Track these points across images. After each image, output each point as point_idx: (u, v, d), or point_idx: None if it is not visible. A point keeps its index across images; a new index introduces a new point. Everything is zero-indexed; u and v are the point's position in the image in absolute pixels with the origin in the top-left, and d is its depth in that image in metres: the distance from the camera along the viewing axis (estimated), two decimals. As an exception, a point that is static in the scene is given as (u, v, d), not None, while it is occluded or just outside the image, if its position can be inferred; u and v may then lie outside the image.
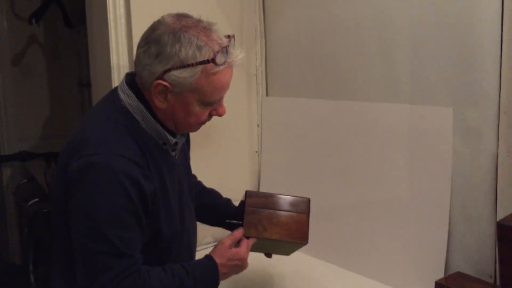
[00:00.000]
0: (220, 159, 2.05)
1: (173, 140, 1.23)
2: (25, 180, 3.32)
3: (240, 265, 1.30)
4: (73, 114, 3.64)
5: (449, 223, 1.48)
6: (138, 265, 1.13)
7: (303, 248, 1.49)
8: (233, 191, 2.09)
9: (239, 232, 1.33)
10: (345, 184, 1.76)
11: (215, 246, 1.30)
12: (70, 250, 1.18)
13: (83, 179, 1.08)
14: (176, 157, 1.29)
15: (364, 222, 1.69)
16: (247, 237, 1.34)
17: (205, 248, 1.93)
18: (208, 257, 1.27)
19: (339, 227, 1.76)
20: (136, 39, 1.69)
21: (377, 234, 1.65)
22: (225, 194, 2.06)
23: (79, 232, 1.10)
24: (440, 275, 1.47)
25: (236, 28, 2.00)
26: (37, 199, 3.02)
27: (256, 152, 2.14)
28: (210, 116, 1.23)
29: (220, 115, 1.23)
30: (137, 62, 1.17)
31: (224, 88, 1.18)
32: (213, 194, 1.57)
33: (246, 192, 1.41)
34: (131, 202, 1.10)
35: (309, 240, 1.42)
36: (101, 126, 1.15)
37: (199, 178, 1.61)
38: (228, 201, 1.58)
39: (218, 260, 1.26)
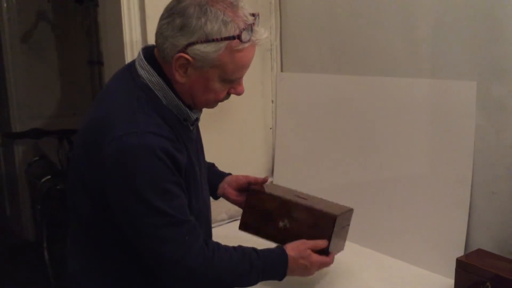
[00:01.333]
0: (234, 135, 2.03)
1: (193, 116, 1.22)
2: (37, 158, 3.33)
3: (308, 267, 1.29)
4: (84, 92, 3.64)
5: (471, 199, 1.45)
6: (198, 227, 1.15)
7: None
8: (247, 168, 2.08)
9: (323, 242, 1.31)
10: (364, 161, 1.73)
11: (293, 242, 1.30)
12: (89, 227, 1.19)
13: (123, 163, 1.07)
14: (194, 132, 1.28)
15: (384, 200, 1.67)
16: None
17: (220, 225, 1.93)
18: (281, 248, 1.28)
19: (358, 204, 1.73)
20: (150, 13, 1.71)
21: (397, 212, 1.63)
22: (239, 170, 2.03)
23: (132, 214, 1.10)
24: (460, 252, 1.45)
25: (250, 1, 1.95)
26: (49, 176, 3.03)
27: (271, 128, 2.12)
28: (228, 95, 1.21)
29: (238, 94, 1.21)
30: (159, 34, 1.14)
31: (245, 66, 1.16)
32: None
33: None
34: (173, 174, 1.11)
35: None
36: (125, 104, 1.13)
37: (212, 154, 1.59)
38: (211, 165, 1.55)
39: (290, 253, 1.26)
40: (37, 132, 3.21)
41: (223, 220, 2.01)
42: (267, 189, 1.46)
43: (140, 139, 1.07)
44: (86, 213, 1.18)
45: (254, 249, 1.24)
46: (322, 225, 1.33)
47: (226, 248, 1.21)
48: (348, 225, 1.46)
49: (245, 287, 1.26)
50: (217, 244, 1.21)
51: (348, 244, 1.46)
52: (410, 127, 1.59)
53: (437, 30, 1.50)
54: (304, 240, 1.31)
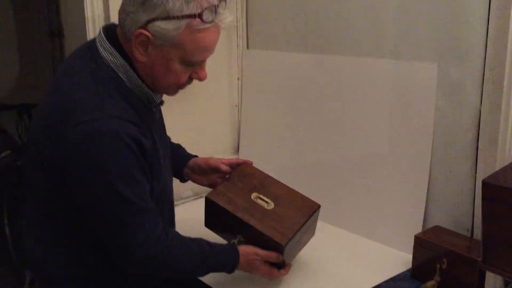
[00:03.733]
0: (199, 113, 2.02)
1: (158, 99, 1.21)
2: (-4, 131, 3.23)
3: (255, 273, 1.32)
4: (44, 65, 3.52)
5: (429, 178, 1.50)
6: (158, 215, 1.16)
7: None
8: (212, 146, 2.08)
9: (276, 257, 1.31)
10: (328, 139, 1.76)
11: (248, 247, 1.31)
12: (48, 211, 1.18)
13: (88, 148, 1.05)
14: (157, 114, 1.27)
15: (346, 177, 1.70)
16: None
17: (185, 202, 1.94)
18: (235, 250, 1.29)
19: (320, 182, 1.77)
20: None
21: (359, 189, 1.67)
22: (204, 149, 2.04)
23: (96, 200, 1.09)
24: (419, 229, 1.50)
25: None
26: (8, 152, 2.95)
27: (236, 106, 2.12)
28: (190, 80, 1.19)
29: (200, 79, 1.20)
30: (122, 10, 1.12)
31: (207, 49, 1.14)
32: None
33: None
34: (138, 159, 1.10)
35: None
36: (88, 87, 1.10)
37: (177, 133, 1.58)
38: (177, 146, 1.55)
39: (240, 258, 1.28)
40: (-5, 106, 3.11)
41: (189, 196, 2.02)
42: (228, 190, 1.40)
43: (105, 124, 1.05)
44: (45, 196, 1.16)
45: (209, 245, 1.25)
46: (272, 249, 1.31)
47: (184, 239, 1.22)
48: (315, 221, 1.46)
49: (192, 277, 1.29)
50: (176, 234, 1.22)
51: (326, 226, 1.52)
52: (373, 106, 1.61)
53: (401, 12, 1.52)
54: (257, 250, 1.30)
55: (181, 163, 1.49)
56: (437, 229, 1.45)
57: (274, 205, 1.40)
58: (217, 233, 1.42)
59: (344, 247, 1.61)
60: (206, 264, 1.23)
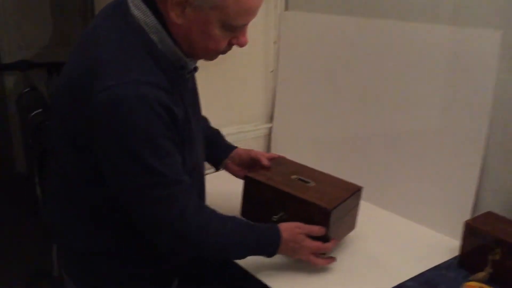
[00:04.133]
0: (232, 78, 1.90)
1: (192, 64, 1.10)
2: (28, 89, 3.19)
3: (298, 251, 1.22)
4: (75, 23, 3.44)
5: (484, 158, 1.36)
6: (192, 189, 1.08)
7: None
8: (245, 113, 1.97)
9: (320, 230, 1.23)
10: (371, 112, 1.62)
11: (289, 223, 1.23)
12: (74, 180, 1.10)
13: (114, 116, 0.95)
14: (190, 82, 1.16)
15: (391, 154, 1.57)
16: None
17: (208, 174, 1.84)
18: (276, 227, 1.20)
19: (364, 158, 1.65)
20: None
21: (405, 167, 1.54)
22: (236, 115, 1.94)
23: (122, 171, 1.00)
24: (467, 214, 1.38)
25: None
26: (40, 110, 2.92)
27: (272, 71, 1.99)
28: (229, 46, 1.08)
29: (241, 45, 1.09)
30: None
31: (250, 12, 1.02)
32: (203, 123, 1.45)
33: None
34: (169, 129, 1.01)
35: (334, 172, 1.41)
36: (117, 49, 0.99)
37: (208, 99, 1.47)
38: (217, 133, 1.49)
39: (283, 234, 1.19)
40: (26, 63, 3.05)
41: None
42: (267, 172, 1.38)
43: (135, 90, 0.95)
44: (71, 165, 1.08)
45: (248, 224, 1.17)
46: (317, 219, 1.24)
47: (221, 216, 1.13)
48: (357, 205, 1.39)
49: (231, 259, 1.20)
50: (213, 210, 1.13)
51: (370, 207, 1.41)
52: (424, 77, 1.46)
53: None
54: (299, 224, 1.23)
55: (221, 152, 1.45)
56: (489, 215, 1.32)
57: (315, 184, 1.35)
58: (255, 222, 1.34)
59: (386, 229, 1.50)
60: (245, 244, 1.14)
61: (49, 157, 1.20)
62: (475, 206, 1.40)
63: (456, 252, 1.35)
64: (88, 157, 1.02)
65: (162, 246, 1.11)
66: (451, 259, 1.34)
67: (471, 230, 1.27)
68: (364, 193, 1.38)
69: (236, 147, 1.48)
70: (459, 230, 1.34)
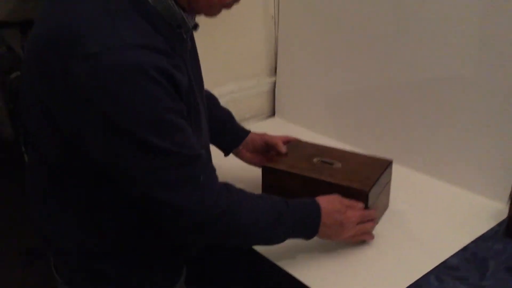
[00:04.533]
0: (228, 27, 1.67)
1: (191, 22, 0.89)
2: (4, 49, 2.95)
3: (344, 224, 1.05)
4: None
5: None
6: (211, 163, 0.94)
7: (355, 143, 1.30)
8: (245, 65, 1.75)
9: (361, 204, 1.09)
10: (392, 57, 1.40)
11: (326, 195, 1.07)
12: (57, 171, 0.90)
13: (102, 90, 0.75)
14: (189, 43, 0.94)
15: (419, 105, 1.37)
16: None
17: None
18: (313, 200, 1.04)
19: (387, 113, 1.45)
20: None
21: (436, 123, 1.34)
22: (235, 69, 1.72)
23: (124, 158, 0.81)
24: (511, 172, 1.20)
25: None
26: (19, 73, 2.69)
27: (273, 17, 1.75)
28: None
29: None
30: None
31: None
32: (211, 101, 1.26)
33: None
34: (173, 99, 0.81)
35: (357, 135, 1.32)
36: (99, 5, 0.77)
37: (203, 55, 1.25)
38: (228, 115, 1.30)
39: (323, 205, 1.03)
40: (-5, 23, 2.79)
41: (247, 120, 1.80)
42: (286, 159, 1.24)
43: (126, 56, 0.75)
44: (54, 154, 0.88)
45: (282, 199, 1.00)
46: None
47: (250, 194, 0.96)
48: (389, 180, 1.23)
49: (267, 244, 1.02)
50: (240, 189, 0.95)
51: (399, 168, 1.24)
52: (457, 15, 1.24)
53: None
54: (338, 196, 1.08)
55: (235, 138, 1.29)
56: (540, 175, 1.15)
57: (342, 165, 1.19)
58: None
59: (420, 194, 1.32)
60: (281, 224, 0.96)
61: (27, 143, 1.00)
62: (521, 163, 1.22)
63: (500, 217, 1.19)
64: (74, 144, 0.82)
65: (181, 236, 0.95)
66: (495, 227, 1.17)
67: (521, 194, 1.10)
68: (392, 154, 1.20)
69: (249, 132, 1.30)
70: (501, 190, 1.18)
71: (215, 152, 1.16)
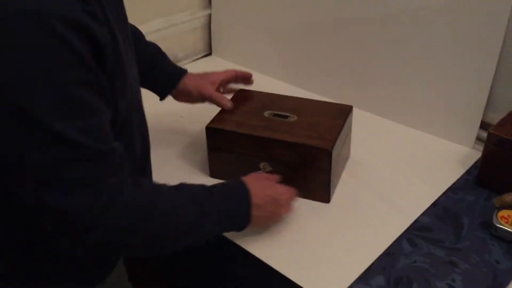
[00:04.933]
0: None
1: None
2: None
3: (280, 202, 0.89)
4: None
5: (502, 48, 1.04)
6: (125, 159, 0.68)
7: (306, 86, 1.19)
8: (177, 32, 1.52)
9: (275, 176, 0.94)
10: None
11: (246, 175, 0.89)
12: None
13: None
14: None
15: (377, 47, 1.21)
16: None
17: None
18: (239, 181, 0.86)
19: (345, 50, 1.29)
20: None
21: (397, 61, 1.19)
22: (164, 4, 1.48)
23: (13, 146, 0.59)
24: (479, 113, 1.09)
25: None
26: None
27: None
28: None
29: None
30: None
31: None
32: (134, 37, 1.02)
33: None
34: (86, 67, 0.59)
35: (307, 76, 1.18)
36: None
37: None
38: (155, 53, 1.08)
39: (251, 184, 0.85)
40: None
41: (180, 60, 1.56)
42: (232, 115, 1.05)
43: (19, 1, 0.54)
44: None
45: (204, 188, 0.80)
46: (314, 164, 0.96)
47: (167, 190, 0.76)
48: (350, 129, 1.09)
49: (195, 245, 0.80)
50: (157, 186, 0.76)
51: (358, 112, 1.09)
52: None
53: None
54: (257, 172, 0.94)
55: (166, 82, 1.07)
56: (514, 116, 1.04)
57: (297, 117, 1.03)
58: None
59: (381, 138, 1.20)
60: (206, 216, 0.78)
61: None
62: (490, 104, 1.11)
63: (468, 163, 1.10)
64: None
65: (85, 250, 0.74)
66: (464, 175, 1.07)
67: (494, 140, 0.99)
68: (348, 97, 1.06)
69: (184, 73, 1.08)
70: (466, 133, 1.12)
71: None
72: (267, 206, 0.86)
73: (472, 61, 1.07)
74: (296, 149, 0.95)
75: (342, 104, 1.07)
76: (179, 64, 1.53)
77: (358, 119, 1.11)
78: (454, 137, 1.16)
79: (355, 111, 1.07)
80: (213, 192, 0.80)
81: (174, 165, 1.11)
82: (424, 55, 1.13)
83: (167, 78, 1.06)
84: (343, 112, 1.04)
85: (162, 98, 1.07)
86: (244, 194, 0.83)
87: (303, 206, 0.99)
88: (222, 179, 0.97)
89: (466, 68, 1.08)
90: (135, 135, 0.81)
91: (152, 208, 0.70)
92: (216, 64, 1.58)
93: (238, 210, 0.82)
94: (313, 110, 1.05)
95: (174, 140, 1.18)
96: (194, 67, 1.54)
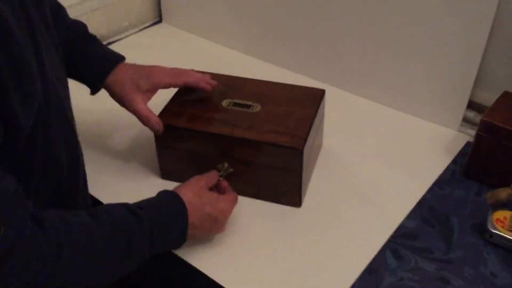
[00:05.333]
0: None
1: None
2: None
3: (219, 221, 0.75)
4: None
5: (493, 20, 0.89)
6: (20, 190, 0.54)
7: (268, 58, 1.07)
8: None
9: (214, 175, 0.80)
10: None
11: (185, 183, 0.76)
12: None
13: None
14: None
15: (350, 15, 1.05)
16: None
17: (125, 38, 1.27)
18: (171, 194, 0.72)
19: (305, 23, 1.12)
20: None
21: (373, 33, 1.04)
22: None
23: None
24: (466, 94, 0.96)
25: None
26: None
27: None
28: None
29: None
30: None
31: None
32: (56, 15, 0.82)
33: None
34: None
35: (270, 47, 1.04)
36: None
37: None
38: (82, 33, 0.87)
39: (187, 198, 0.71)
40: None
41: (126, 30, 1.36)
42: (184, 106, 0.88)
43: None
44: None
45: (129, 211, 0.65)
46: (282, 164, 0.81)
47: (82, 223, 0.60)
48: (323, 116, 0.93)
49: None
50: (61, 216, 0.59)
51: (337, 92, 0.95)
52: None
53: None
54: (195, 177, 0.77)
55: (95, 71, 0.85)
56: (509, 97, 0.91)
57: (261, 106, 0.87)
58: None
59: (356, 121, 1.06)
60: (132, 254, 0.64)
61: None
62: (480, 80, 0.97)
63: (453, 149, 0.98)
64: None
65: None
66: (451, 165, 0.95)
67: (488, 128, 0.86)
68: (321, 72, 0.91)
69: (119, 61, 0.85)
70: (450, 114, 1.00)
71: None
72: (205, 225, 0.74)
73: (461, 33, 0.92)
74: (261, 148, 0.80)
75: (312, 88, 0.92)
76: (124, 35, 1.35)
77: (330, 98, 0.94)
78: (438, 119, 1.03)
79: (326, 88, 0.92)
80: (143, 220, 0.66)
81: (119, 165, 0.95)
82: (407, 25, 0.98)
83: (95, 69, 0.85)
84: (314, 99, 0.89)
85: (92, 92, 0.88)
86: (180, 216, 0.70)
87: (270, 212, 0.85)
88: (175, 181, 0.84)
89: (453, 40, 0.94)
90: (58, 145, 0.65)
91: (60, 252, 0.55)
92: (168, 33, 1.39)
93: (172, 233, 0.70)
94: (279, 96, 0.90)
95: (118, 135, 1.02)
96: (141, 38, 1.36)
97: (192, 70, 0.89)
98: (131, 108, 0.83)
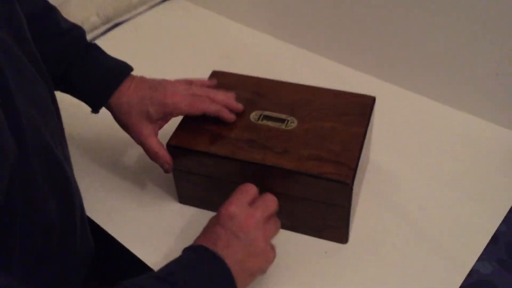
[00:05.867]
0: None
1: None
2: None
3: (265, 258, 0.59)
4: None
5: None
6: None
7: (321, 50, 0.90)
8: None
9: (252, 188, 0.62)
10: None
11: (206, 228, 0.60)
12: None
13: None
14: None
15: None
16: None
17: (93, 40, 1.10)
18: (214, 261, 0.54)
19: (345, 8, 0.94)
20: None
21: (426, 22, 0.85)
22: None
23: None
24: None
25: None
26: None
27: None
28: None
29: None
30: None
31: None
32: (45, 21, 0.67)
33: None
34: None
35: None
36: None
37: None
38: (90, 49, 0.71)
39: (232, 265, 0.54)
40: None
41: (135, 8, 1.20)
42: (202, 125, 0.71)
43: None
44: None
45: (157, 278, 0.51)
46: (327, 199, 0.65)
47: None
48: (372, 127, 0.75)
49: None
50: None
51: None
52: None
53: None
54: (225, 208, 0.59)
55: (96, 90, 0.69)
56: None
57: (298, 121, 0.70)
58: (200, 207, 0.76)
59: (410, 121, 0.89)
60: None
61: None
62: None
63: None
64: None
65: None
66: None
67: None
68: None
69: (125, 76, 0.69)
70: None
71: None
72: (253, 279, 0.58)
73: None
74: (299, 180, 0.64)
75: (360, 95, 0.75)
76: (134, 12, 1.20)
77: (379, 96, 0.76)
78: (500, 120, 0.85)
79: (372, 81, 0.75)
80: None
81: (135, 188, 0.80)
82: (460, 17, 0.79)
83: (95, 86, 0.69)
84: (363, 110, 0.72)
85: (94, 110, 0.72)
86: (226, 283, 0.54)
87: (311, 249, 0.70)
88: (194, 206, 0.73)
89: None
90: (42, 197, 0.52)
91: None
92: (181, 10, 1.21)
93: None
94: (319, 107, 0.73)
95: (133, 154, 0.86)
96: (152, 17, 1.19)
97: (210, 82, 0.75)
98: (138, 140, 0.68)
